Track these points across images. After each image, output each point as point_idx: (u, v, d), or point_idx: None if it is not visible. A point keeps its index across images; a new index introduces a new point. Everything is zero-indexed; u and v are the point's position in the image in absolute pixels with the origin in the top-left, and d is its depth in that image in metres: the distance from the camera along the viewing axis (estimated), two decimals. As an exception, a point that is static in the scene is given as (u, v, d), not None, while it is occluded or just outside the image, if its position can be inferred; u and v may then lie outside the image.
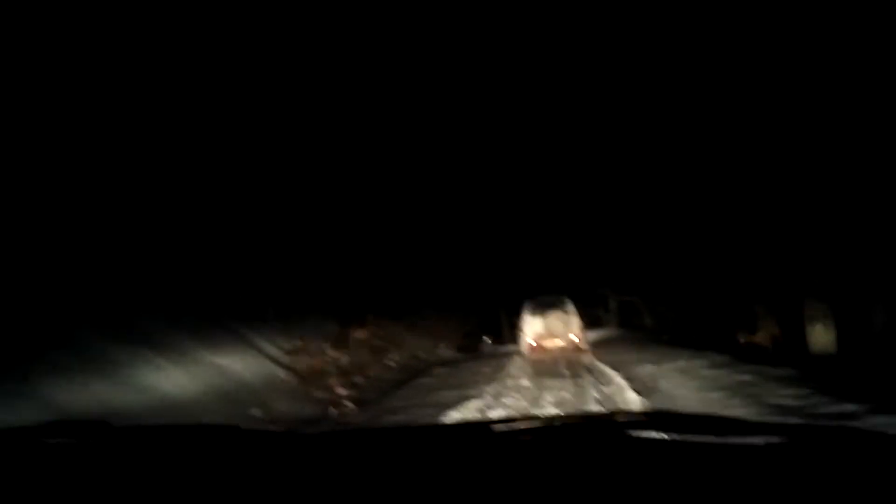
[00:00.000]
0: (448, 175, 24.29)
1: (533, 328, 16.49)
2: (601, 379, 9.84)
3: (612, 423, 1.55)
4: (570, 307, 16.46)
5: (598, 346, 15.83)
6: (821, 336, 10.53)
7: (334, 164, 16.57)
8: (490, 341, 27.29)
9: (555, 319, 16.11)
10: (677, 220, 16.01)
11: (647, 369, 9.92)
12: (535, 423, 1.62)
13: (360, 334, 14.61)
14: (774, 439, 1.16)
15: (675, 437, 1.25)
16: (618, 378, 9.45)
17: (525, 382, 10.36)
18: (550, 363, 13.41)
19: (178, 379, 8.92)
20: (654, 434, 1.29)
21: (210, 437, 1.62)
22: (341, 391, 11.47)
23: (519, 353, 16.80)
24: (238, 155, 12.97)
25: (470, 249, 28.16)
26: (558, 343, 15.87)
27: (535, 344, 16.14)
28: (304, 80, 14.82)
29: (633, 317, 25.29)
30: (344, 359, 14.05)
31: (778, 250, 11.95)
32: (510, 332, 25.06)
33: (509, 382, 10.70)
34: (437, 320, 23.73)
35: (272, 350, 12.25)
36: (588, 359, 13.43)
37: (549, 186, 25.94)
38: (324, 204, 16.02)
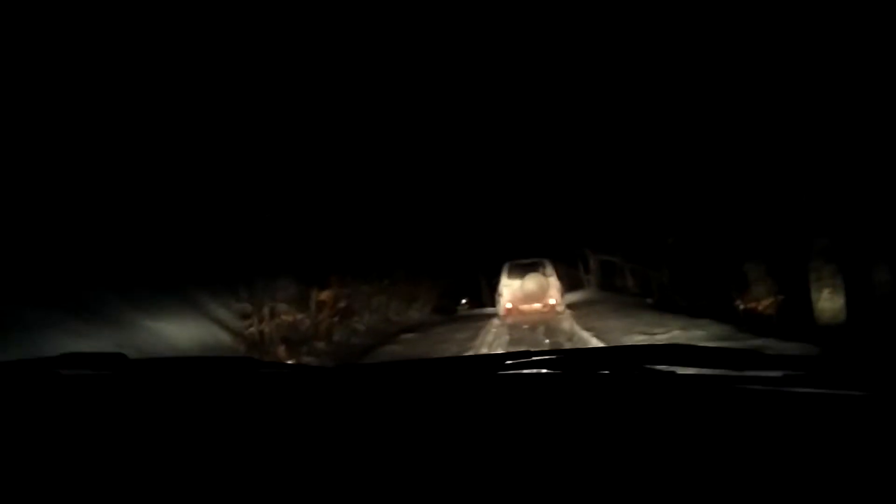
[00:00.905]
0: (424, 135, 22.92)
1: (510, 291, 15.65)
2: (586, 350, 8.59)
3: (628, 356, 1.45)
4: (549, 269, 15.70)
5: (579, 311, 14.52)
6: (829, 302, 9.28)
7: (305, 124, 15.08)
8: (467, 303, 26.05)
9: (533, 282, 15.27)
10: (661, 169, 14.64)
11: (637, 340, 8.64)
12: (549, 356, 1.44)
13: (323, 296, 13.21)
14: (792, 371, 1.13)
15: (692, 370, 1.21)
16: (605, 350, 8.19)
17: (501, 350, 9.09)
18: (528, 329, 12.14)
19: (96, 343, 7.68)
20: (669, 368, 1.23)
21: (224, 369, 1.60)
22: (291, 360, 10.16)
23: (497, 316, 15.84)
24: (204, 116, 11.51)
25: (449, 211, 26.89)
26: (536, 306, 15.08)
27: (512, 307, 15.35)
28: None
29: (614, 277, 24.03)
30: (305, 322, 12.72)
31: (774, 202, 10.67)
32: (489, 294, 24.00)
33: (483, 353, 9.42)
34: (412, 282, 22.38)
35: (224, 315, 10.87)
36: (569, 325, 12.15)
37: (528, 144, 24.58)
38: (295, 165, 14.58)
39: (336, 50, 15.10)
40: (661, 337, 8.48)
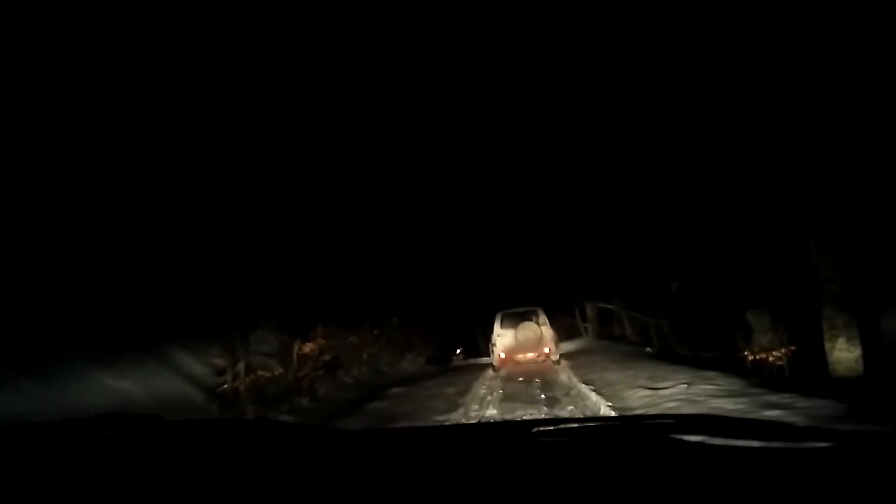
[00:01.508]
0: (419, 180, 22.41)
1: (504, 341, 15.23)
2: (586, 409, 7.79)
3: (655, 426, 1.46)
4: (542, 318, 15.37)
5: (576, 361, 13.73)
6: (844, 353, 8.54)
7: (294, 166, 14.50)
8: (461, 353, 25.18)
9: (526, 331, 14.93)
10: (661, 214, 14.00)
11: (640, 396, 7.85)
12: (575, 424, 1.49)
13: (306, 348, 12.42)
14: (820, 444, 1.12)
15: (719, 441, 1.19)
16: (606, 408, 7.41)
17: (492, 412, 8.28)
18: (523, 382, 11.34)
19: (42, 405, 6.96)
20: (696, 438, 1.22)
21: (256, 431, 1.62)
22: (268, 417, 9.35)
23: (491, 367, 15.23)
24: (177, 151, 10.90)
25: (444, 259, 26.25)
26: (531, 356, 14.71)
27: (506, 357, 14.94)
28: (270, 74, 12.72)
29: (612, 326, 23.25)
30: (287, 376, 11.90)
31: (780, 246, 10.01)
32: (485, 344, 23.21)
33: (473, 411, 8.62)
34: (406, 332, 21.57)
35: (199, 371, 10.09)
36: (566, 377, 11.36)
37: (524, 191, 24.08)
38: (284, 209, 13.93)
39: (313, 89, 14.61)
40: (668, 392, 7.68)
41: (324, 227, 15.86)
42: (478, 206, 25.87)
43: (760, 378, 8.57)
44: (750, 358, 9.14)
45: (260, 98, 12.35)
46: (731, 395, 7.06)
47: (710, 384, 7.85)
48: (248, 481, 1.07)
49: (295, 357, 11.94)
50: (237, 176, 12.13)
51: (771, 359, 8.88)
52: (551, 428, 1.40)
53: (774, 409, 5.95)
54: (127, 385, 8.41)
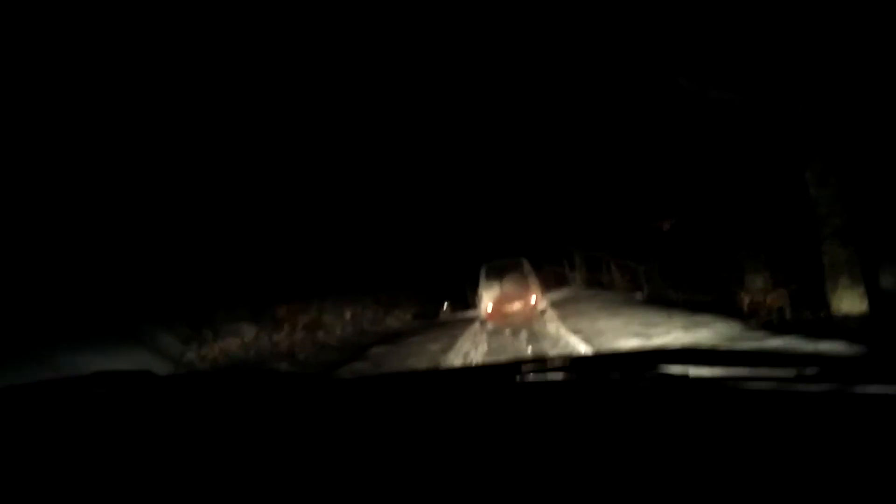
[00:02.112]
0: (403, 130, 21.59)
1: (490, 293, 14.85)
2: (573, 360, 7.23)
3: (640, 359, 1.41)
4: (527, 268, 15.10)
5: (564, 310, 13.15)
6: (847, 290, 7.96)
7: (269, 117, 13.65)
8: (448, 308, 24.62)
9: (512, 282, 14.62)
10: (648, 156, 13.29)
11: (633, 345, 7.27)
12: (564, 363, 1.49)
13: (282, 311, 11.78)
14: (806, 370, 1.10)
15: (705, 371, 1.19)
16: (596, 359, 6.84)
17: (475, 368, 7.71)
18: (510, 336, 10.77)
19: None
20: (681, 369, 1.21)
21: (250, 381, 1.59)
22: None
23: (478, 320, 14.87)
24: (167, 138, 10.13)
25: (431, 212, 25.58)
26: (517, 306, 14.37)
27: (493, 309, 14.56)
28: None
29: (600, 274, 22.65)
30: (265, 341, 11.29)
31: (777, 179, 9.36)
32: (473, 296, 22.70)
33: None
34: (392, 288, 20.99)
35: (167, 342, 9.44)
36: (554, 327, 10.79)
37: (509, 137, 23.28)
38: (266, 177, 13.17)
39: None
40: (661, 340, 7.11)
41: (306, 184, 15.10)
42: (464, 157, 25.14)
43: (759, 321, 8.00)
44: (746, 300, 8.55)
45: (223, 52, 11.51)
46: (730, 339, 6.49)
47: (707, 329, 7.28)
48: (238, 431, 1.06)
49: (269, 321, 11.30)
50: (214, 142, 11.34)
51: (769, 300, 8.29)
52: (538, 368, 1.39)
53: (780, 355, 5.37)
54: (91, 359, 7.79)
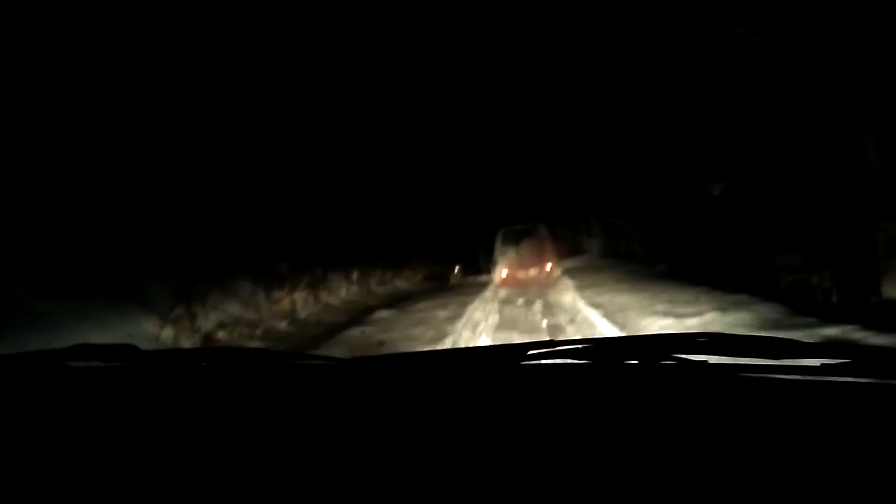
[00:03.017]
0: (415, 89, 20.59)
1: (506, 258, 14.87)
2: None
3: (656, 344, 1.33)
4: (544, 233, 15.09)
5: (582, 281, 12.29)
6: (903, 273, 7.09)
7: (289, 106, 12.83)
8: (460, 271, 23.87)
9: (528, 248, 14.61)
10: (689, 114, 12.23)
11: (661, 325, 6.43)
12: (575, 346, 1.36)
13: (283, 267, 11.03)
14: (831, 360, 1.07)
15: (726, 359, 1.15)
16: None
17: (486, 341, 6.94)
18: (523, 307, 9.98)
19: None
20: (701, 357, 1.18)
21: (238, 359, 1.57)
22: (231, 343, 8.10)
23: (489, 288, 14.06)
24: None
25: (445, 171, 24.65)
26: (532, 272, 14.39)
27: (508, 274, 14.60)
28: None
29: (618, 242, 21.73)
30: (263, 298, 10.60)
31: (830, 152, 8.41)
32: (486, 259, 22.01)
33: (463, 341, 7.29)
34: (402, 248, 20.24)
35: (159, 295, 8.72)
36: (570, 299, 10.00)
37: (527, 98, 22.18)
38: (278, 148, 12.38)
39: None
40: (694, 321, 6.26)
41: (310, 141, 14.25)
42: (480, 115, 24.11)
43: (802, 302, 7.14)
44: (787, 279, 7.67)
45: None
46: (777, 325, 5.63)
47: (746, 311, 6.42)
48: (228, 414, 0.99)
49: (269, 278, 10.58)
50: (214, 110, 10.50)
51: (813, 281, 7.42)
52: (545, 350, 1.32)
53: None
54: (87, 324, 7.12)
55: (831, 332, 5.14)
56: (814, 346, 1.21)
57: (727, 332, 1.29)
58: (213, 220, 9.95)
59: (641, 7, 8.87)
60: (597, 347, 1.35)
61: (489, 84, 22.23)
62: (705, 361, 1.14)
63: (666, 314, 6.88)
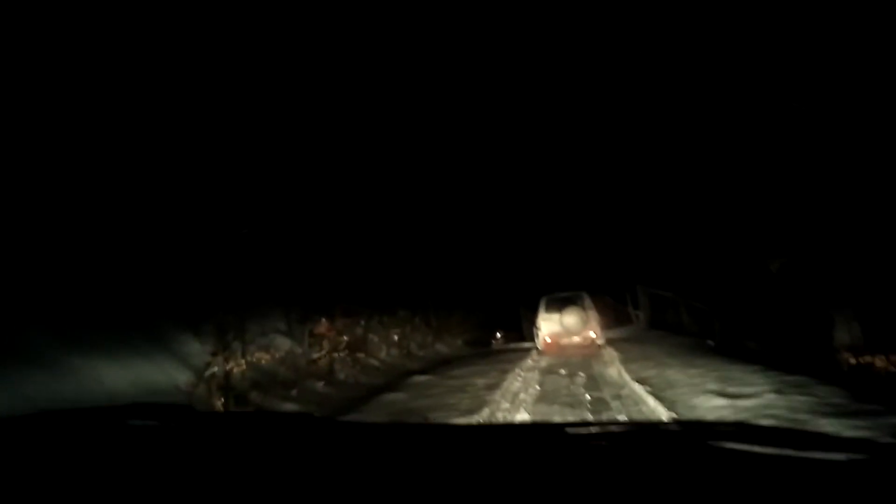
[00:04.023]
0: (463, 165, 20.77)
1: (549, 325, 14.78)
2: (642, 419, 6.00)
3: (693, 433, 1.37)
4: (588, 302, 14.98)
5: (628, 354, 11.83)
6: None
7: (323, 152, 13.03)
8: (502, 337, 23.41)
9: (572, 315, 14.48)
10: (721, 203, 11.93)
11: (714, 406, 5.99)
12: (611, 429, 1.44)
13: (321, 327, 10.88)
14: (857, 456, 1.07)
15: (757, 448, 1.14)
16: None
17: (523, 417, 6.57)
18: (567, 377, 9.57)
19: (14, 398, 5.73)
20: (735, 445, 1.17)
21: (287, 425, 1.58)
22: (264, 406, 7.89)
23: (530, 356, 13.85)
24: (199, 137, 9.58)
25: (493, 240, 24.55)
26: (576, 340, 14.36)
27: (551, 341, 14.60)
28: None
29: (666, 314, 21.05)
30: (300, 356, 10.43)
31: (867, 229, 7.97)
32: (529, 327, 21.58)
33: (501, 412, 6.93)
34: (444, 314, 19.96)
35: (192, 351, 8.63)
36: (616, 373, 9.56)
37: (576, 167, 22.12)
38: (315, 197, 12.50)
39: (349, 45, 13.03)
40: (750, 403, 5.81)
41: (355, 201, 14.33)
42: (530, 187, 24.08)
43: (865, 387, 6.61)
44: (852, 361, 7.15)
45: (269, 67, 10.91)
46: (842, 412, 5.17)
47: (806, 394, 5.95)
48: (275, 478, 1.00)
49: (306, 336, 10.42)
50: (248, 145, 10.64)
51: (879, 363, 6.89)
52: (583, 431, 1.33)
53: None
54: (111, 371, 7.03)
55: (902, 422, 4.69)
56: (839, 440, 1.23)
57: (756, 424, 1.33)
58: (255, 277, 9.92)
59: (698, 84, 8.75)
60: (634, 431, 1.36)
61: (548, 150, 22.28)
62: (736, 450, 1.15)
63: (719, 394, 6.44)
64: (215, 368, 7.95)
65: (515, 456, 1.19)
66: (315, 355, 10.54)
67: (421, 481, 1.01)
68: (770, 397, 5.90)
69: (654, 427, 1.78)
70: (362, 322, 12.99)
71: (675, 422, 4.69)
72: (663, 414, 5.95)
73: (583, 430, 1.37)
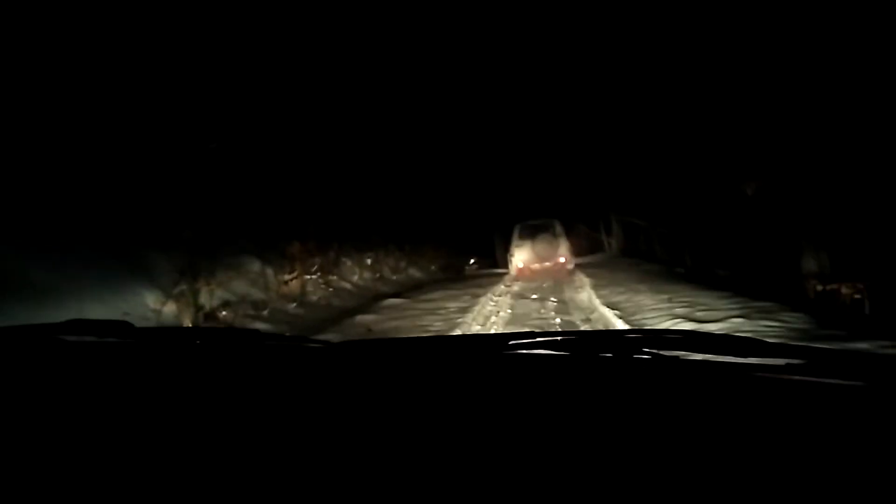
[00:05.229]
0: (440, 81, 20.24)
1: (521, 251, 15.28)
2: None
3: (634, 340, 1.32)
4: (559, 229, 15.55)
5: (599, 279, 11.90)
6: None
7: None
8: (475, 263, 23.52)
9: (544, 242, 15.02)
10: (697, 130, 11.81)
11: (682, 329, 6.05)
12: (554, 338, 1.34)
13: (293, 248, 10.74)
14: (795, 360, 1.10)
15: (697, 356, 1.18)
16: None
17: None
18: (538, 301, 9.62)
19: None
20: (673, 352, 1.20)
21: (230, 340, 1.57)
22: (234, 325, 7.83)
23: (503, 281, 13.97)
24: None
25: (466, 166, 24.28)
26: (547, 265, 14.89)
27: (523, 266, 15.10)
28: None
29: (638, 242, 21.24)
30: (272, 278, 10.33)
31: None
32: (502, 254, 21.64)
33: (473, 332, 6.96)
34: (418, 238, 19.90)
35: (162, 269, 8.44)
36: (586, 297, 9.62)
37: (548, 93, 21.71)
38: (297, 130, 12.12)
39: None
40: (716, 327, 5.87)
41: (331, 121, 13.95)
42: (506, 110, 23.70)
43: (831, 314, 6.71)
44: (819, 288, 7.22)
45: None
46: (806, 337, 5.24)
47: (772, 319, 6.01)
48: (222, 395, 0.98)
49: (278, 258, 10.29)
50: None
51: (845, 290, 6.97)
52: (528, 341, 1.33)
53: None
54: (87, 296, 6.85)
55: (861, 346, 4.75)
56: (778, 346, 1.23)
57: (691, 331, 1.14)
58: (226, 197, 9.68)
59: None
60: (577, 340, 1.35)
61: (518, 79, 21.83)
62: (676, 357, 1.16)
63: (686, 318, 6.49)
64: (184, 286, 7.82)
65: (454, 367, 1.19)
66: (286, 276, 10.44)
67: (359, 395, 0.99)
68: (737, 321, 5.95)
69: (596, 335, 1.75)
70: (335, 245, 12.87)
71: (617, 330, 4.73)
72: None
73: (524, 340, 1.36)
